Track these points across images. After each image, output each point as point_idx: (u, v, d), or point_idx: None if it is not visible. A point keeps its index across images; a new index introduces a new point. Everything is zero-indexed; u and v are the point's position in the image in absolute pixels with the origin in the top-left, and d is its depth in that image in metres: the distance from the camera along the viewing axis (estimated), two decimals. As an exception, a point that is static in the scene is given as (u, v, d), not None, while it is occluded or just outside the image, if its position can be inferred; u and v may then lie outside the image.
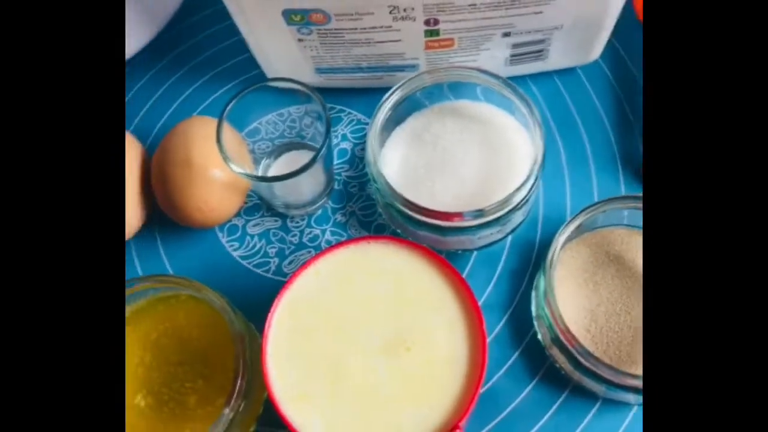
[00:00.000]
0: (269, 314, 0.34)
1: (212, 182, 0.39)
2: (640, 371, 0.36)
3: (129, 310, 0.38)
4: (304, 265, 0.35)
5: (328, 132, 0.38)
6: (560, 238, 0.36)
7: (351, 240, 0.36)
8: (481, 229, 0.38)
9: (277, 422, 0.37)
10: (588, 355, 0.34)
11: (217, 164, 0.39)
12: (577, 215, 0.36)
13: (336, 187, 0.44)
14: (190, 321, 0.38)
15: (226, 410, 0.33)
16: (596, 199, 0.40)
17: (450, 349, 0.33)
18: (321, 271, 0.36)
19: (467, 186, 0.39)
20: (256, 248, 0.42)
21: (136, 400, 0.36)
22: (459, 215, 0.36)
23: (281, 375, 0.33)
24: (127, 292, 0.37)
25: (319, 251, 0.36)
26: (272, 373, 0.33)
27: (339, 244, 0.36)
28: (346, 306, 0.35)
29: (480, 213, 0.36)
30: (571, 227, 0.36)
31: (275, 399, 0.33)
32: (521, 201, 0.37)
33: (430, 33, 0.40)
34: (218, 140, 0.37)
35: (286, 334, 0.34)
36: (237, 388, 0.34)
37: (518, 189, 0.36)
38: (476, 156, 0.40)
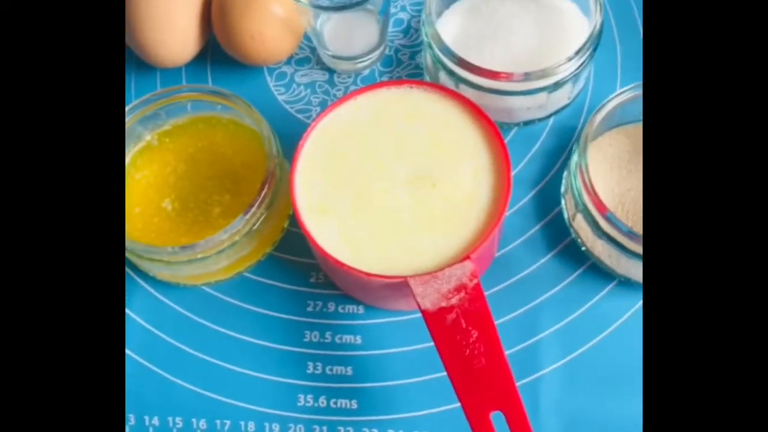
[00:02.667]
0: (306, 131, 0.35)
1: (268, 14, 0.40)
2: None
3: (170, 123, 0.40)
4: (347, 96, 0.36)
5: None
6: (598, 114, 0.36)
7: (395, 81, 0.37)
8: (524, 95, 0.38)
9: (295, 249, 0.39)
10: (611, 217, 0.33)
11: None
12: (621, 92, 0.36)
13: (387, 52, 0.44)
14: (227, 142, 0.39)
15: (246, 216, 0.34)
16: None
17: (474, 190, 0.34)
18: (361, 105, 0.36)
19: (516, 55, 0.39)
20: (301, 95, 0.43)
21: (164, 203, 0.38)
22: (507, 74, 0.37)
23: (306, 188, 0.34)
24: (173, 99, 0.38)
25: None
26: (298, 185, 0.34)
27: (383, 83, 0.36)
28: (380, 139, 0.35)
29: (526, 76, 0.36)
30: (614, 103, 0.36)
31: (297, 209, 0.33)
32: (568, 76, 0.37)
33: None
34: (282, -29, 0.38)
35: (319, 154, 0.35)
36: (261, 197, 0.35)
37: (568, 59, 0.36)
38: (529, 31, 0.40)
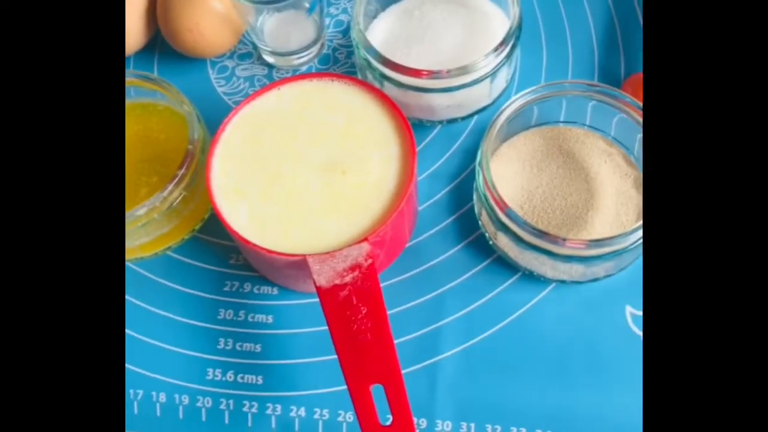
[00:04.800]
0: (226, 118, 0.37)
1: (206, 8, 0.42)
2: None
3: (110, 108, 0.42)
4: (270, 85, 0.38)
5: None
6: (505, 112, 0.38)
7: (317, 74, 0.39)
8: (443, 92, 0.39)
9: (218, 232, 0.40)
10: (511, 213, 0.35)
11: (216, -6, 0.42)
12: (524, 93, 0.38)
13: (326, 51, 0.46)
14: (161, 127, 0.41)
15: (162, 193, 0.36)
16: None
17: (380, 177, 0.35)
18: (284, 94, 0.38)
19: (441, 57, 0.41)
20: (240, 88, 0.45)
21: (95, 181, 0.40)
22: (428, 72, 0.38)
23: (222, 172, 0.36)
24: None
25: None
26: (215, 168, 0.36)
27: (305, 75, 0.39)
28: (298, 127, 0.37)
29: (444, 73, 0.38)
30: (518, 103, 0.38)
31: (210, 190, 0.35)
32: (485, 74, 0.39)
33: None
34: (220, -32, 0.40)
35: (237, 140, 0.37)
36: (178, 177, 0.37)
37: (485, 56, 0.38)
38: (456, 35, 0.42)
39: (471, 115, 0.43)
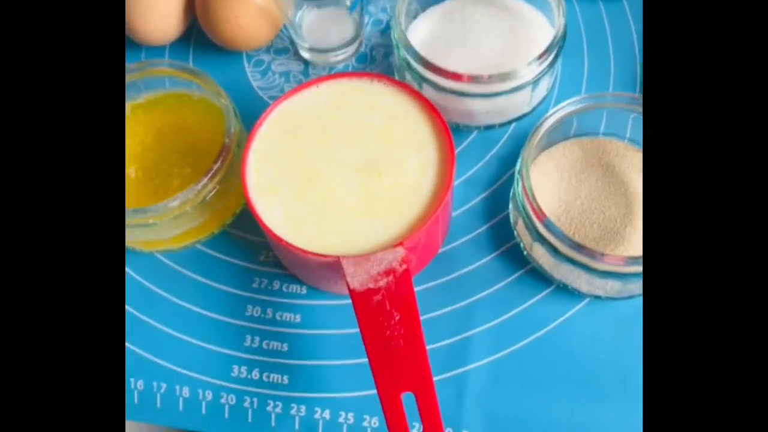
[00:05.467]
0: (264, 114, 0.36)
1: (248, 1, 0.41)
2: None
3: (145, 97, 0.41)
4: (309, 82, 0.37)
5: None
6: (548, 121, 0.37)
7: (356, 73, 0.38)
8: (483, 98, 0.39)
9: (249, 227, 0.40)
10: (549, 223, 0.34)
11: (257, -13, 0.42)
12: (573, 100, 0.37)
13: (363, 50, 0.46)
14: (195, 118, 0.41)
15: (197, 186, 0.36)
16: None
17: (417, 181, 0.35)
18: (322, 92, 0.38)
19: (482, 61, 0.41)
20: (276, 83, 0.45)
21: (129, 171, 0.39)
22: (469, 77, 0.38)
23: (257, 168, 0.36)
24: (151, 72, 0.40)
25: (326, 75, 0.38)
26: (250, 163, 0.36)
27: (344, 74, 0.38)
28: (336, 126, 0.37)
29: (485, 78, 0.38)
30: (560, 113, 0.37)
31: (246, 186, 0.35)
32: (527, 81, 0.39)
33: None
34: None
35: (273, 136, 0.37)
36: (214, 170, 0.36)
37: (528, 64, 0.38)
38: (497, 39, 0.41)
39: (509, 122, 0.42)
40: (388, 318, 0.32)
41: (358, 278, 0.32)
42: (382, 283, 0.32)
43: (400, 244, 0.33)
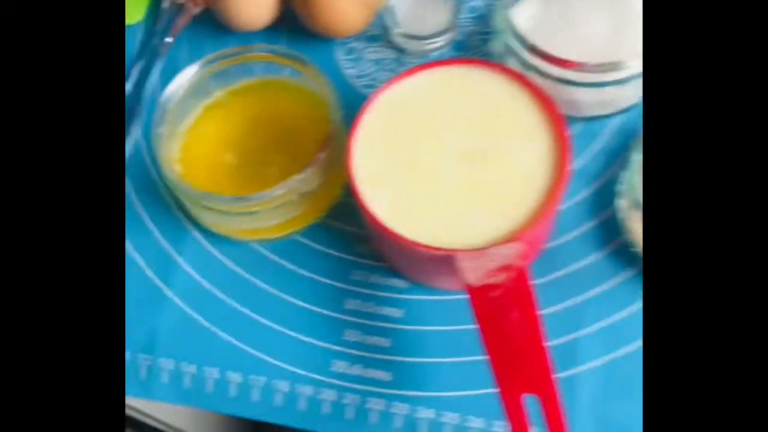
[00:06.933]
0: (367, 101, 0.35)
1: (346, -15, 0.40)
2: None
3: (240, 83, 0.40)
4: (410, 70, 0.36)
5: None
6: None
7: (462, 60, 0.37)
8: (592, 87, 0.37)
9: (346, 218, 0.39)
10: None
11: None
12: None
13: (458, 38, 0.44)
14: (290, 106, 0.40)
15: (302, 175, 0.35)
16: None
17: (531, 170, 0.33)
18: (424, 80, 0.36)
19: (589, 47, 0.39)
20: (368, 72, 0.44)
21: (225, 157, 0.39)
22: (576, 63, 0.36)
23: (363, 157, 0.34)
24: (250, 58, 0.39)
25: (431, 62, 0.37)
26: (355, 153, 0.35)
27: (449, 60, 0.37)
28: (439, 114, 0.35)
29: (596, 67, 0.36)
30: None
31: (352, 176, 0.34)
32: (638, 72, 0.37)
33: None
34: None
35: (377, 125, 0.35)
36: (321, 156, 0.35)
37: (636, 55, 0.36)
38: (604, 24, 0.40)
39: (615, 114, 0.40)
40: (506, 315, 0.30)
41: (474, 273, 0.31)
42: (500, 278, 0.31)
43: (518, 238, 0.31)
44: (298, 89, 0.40)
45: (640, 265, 0.36)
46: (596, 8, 0.40)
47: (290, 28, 0.45)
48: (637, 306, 0.36)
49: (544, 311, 0.36)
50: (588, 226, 0.38)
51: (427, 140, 0.35)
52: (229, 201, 0.34)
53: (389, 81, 0.36)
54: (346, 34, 0.43)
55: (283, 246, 0.39)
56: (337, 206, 0.39)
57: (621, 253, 0.37)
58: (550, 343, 0.35)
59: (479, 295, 0.31)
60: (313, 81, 0.38)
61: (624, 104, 0.40)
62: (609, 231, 0.37)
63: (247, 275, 0.38)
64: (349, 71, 0.44)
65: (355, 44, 0.45)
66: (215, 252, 0.39)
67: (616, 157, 0.39)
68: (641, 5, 0.40)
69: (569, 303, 0.36)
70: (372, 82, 0.43)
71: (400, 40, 0.44)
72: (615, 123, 0.40)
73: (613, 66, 0.36)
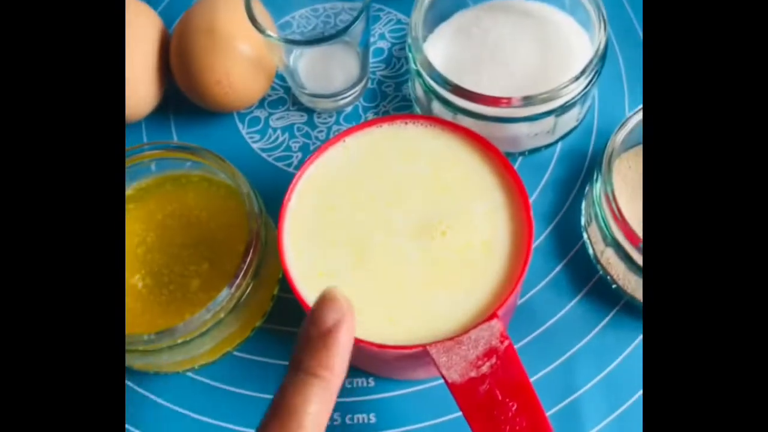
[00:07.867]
0: (290, 187, 0.30)
1: (236, 54, 0.35)
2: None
3: (133, 187, 0.35)
4: (333, 139, 0.32)
5: (367, 9, 0.34)
6: (620, 133, 0.32)
7: (386, 117, 0.32)
8: (530, 121, 0.34)
9: (288, 318, 0.34)
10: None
11: (244, 37, 0.35)
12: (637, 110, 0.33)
13: (370, 85, 0.40)
14: (199, 203, 0.34)
15: (230, 289, 0.29)
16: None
17: (491, 235, 0.29)
18: (350, 147, 0.32)
19: (517, 80, 0.35)
20: (279, 141, 0.39)
21: (133, 280, 0.33)
22: (507, 100, 0.33)
23: (299, 252, 0.29)
24: (135, 159, 0.33)
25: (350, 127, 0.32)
26: (288, 249, 0.29)
27: (372, 121, 0.32)
28: (375, 185, 0.31)
29: (529, 100, 0.33)
30: (636, 119, 0.32)
31: (291, 276, 0.29)
32: (576, 96, 0.34)
33: None
34: (247, 7, 0.34)
35: (307, 211, 0.30)
36: (246, 264, 0.30)
37: (575, 79, 0.33)
38: (529, 51, 0.36)
39: (556, 142, 0.37)
40: (503, 411, 0.26)
41: (454, 368, 0.26)
42: (484, 368, 0.26)
43: (494, 315, 0.27)
44: (205, 180, 0.35)
45: (621, 300, 0.33)
46: (516, 35, 0.37)
47: (178, 110, 0.39)
48: (630, 348, 0.32)
49: (532, 378, 0.32)
50: (556, 270, 0.34)
51: (370, 220, 0.30)
52: (151, 340, 0.28)
53: (309, 157, 0.31)
54: (244, 106, 0.38)
55: (220, 367, 0.33)
56: (275, 306, 0.34)
57: (599, 293, 0.33)
58: (548, 413, 0.31)
59: (466, 393, 0.26)
60: (218, 169, 0.33)
61: (564, 130, 0.37)
62: (581, 271, 0.34)
63: (185, 411, 0.32)
64: (258, 145, 0.39)
65: (257, 113, 0.39)
66: (142, 391, 0.33)
67: (566, 186, 0.36)
68: (565, 27, 0.37)
69: (558, 362, 0.32)
70: (286, 153, 0.38)
71: (306, 101, 0.39)
72: (557, 150, 0.37)
73: (548, 96, 0.33)
